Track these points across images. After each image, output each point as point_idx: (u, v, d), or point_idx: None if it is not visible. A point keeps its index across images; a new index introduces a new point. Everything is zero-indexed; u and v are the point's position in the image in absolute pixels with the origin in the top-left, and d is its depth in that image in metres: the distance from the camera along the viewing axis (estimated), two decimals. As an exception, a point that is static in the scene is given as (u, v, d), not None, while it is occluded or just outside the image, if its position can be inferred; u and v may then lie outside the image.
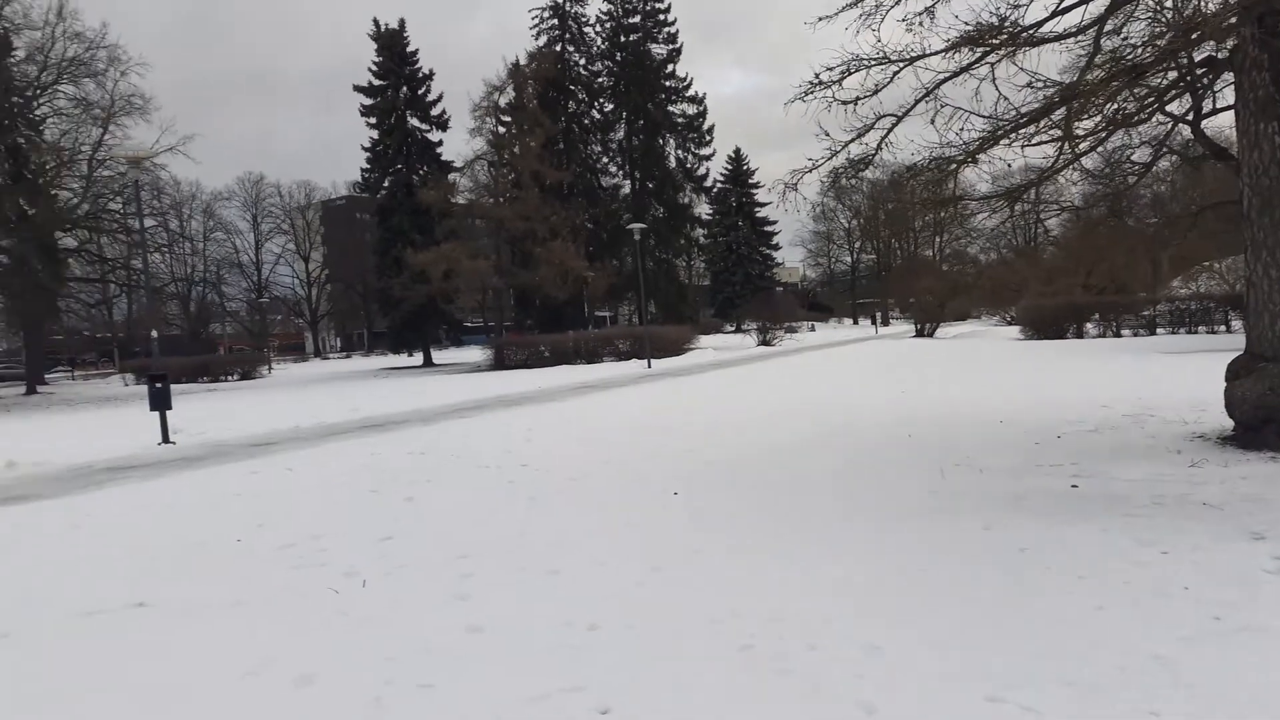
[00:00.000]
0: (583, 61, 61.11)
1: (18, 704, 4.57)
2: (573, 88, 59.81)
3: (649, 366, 33.46)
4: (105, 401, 35.56)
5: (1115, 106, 9.34)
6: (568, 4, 59.60)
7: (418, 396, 25.54)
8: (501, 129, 51.11)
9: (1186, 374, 18.21)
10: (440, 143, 53.11)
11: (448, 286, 45.26)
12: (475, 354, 48.68)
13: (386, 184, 52.41)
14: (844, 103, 9.65)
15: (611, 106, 62.23)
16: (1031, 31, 8.79)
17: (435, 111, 52.80)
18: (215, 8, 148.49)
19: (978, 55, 8.91)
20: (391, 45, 51.90)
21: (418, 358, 57.48)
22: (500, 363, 41.91)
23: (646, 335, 38.70)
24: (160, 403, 16.32)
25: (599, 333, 50.13)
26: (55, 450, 15.78)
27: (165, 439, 16.19)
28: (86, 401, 36.51)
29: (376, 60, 52.03)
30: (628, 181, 62.75)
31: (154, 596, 6.30)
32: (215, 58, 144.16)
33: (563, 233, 47.39)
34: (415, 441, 14.78)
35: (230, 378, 49.38)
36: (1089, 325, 40.91)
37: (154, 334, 20.53)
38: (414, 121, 52.52)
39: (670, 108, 62.78)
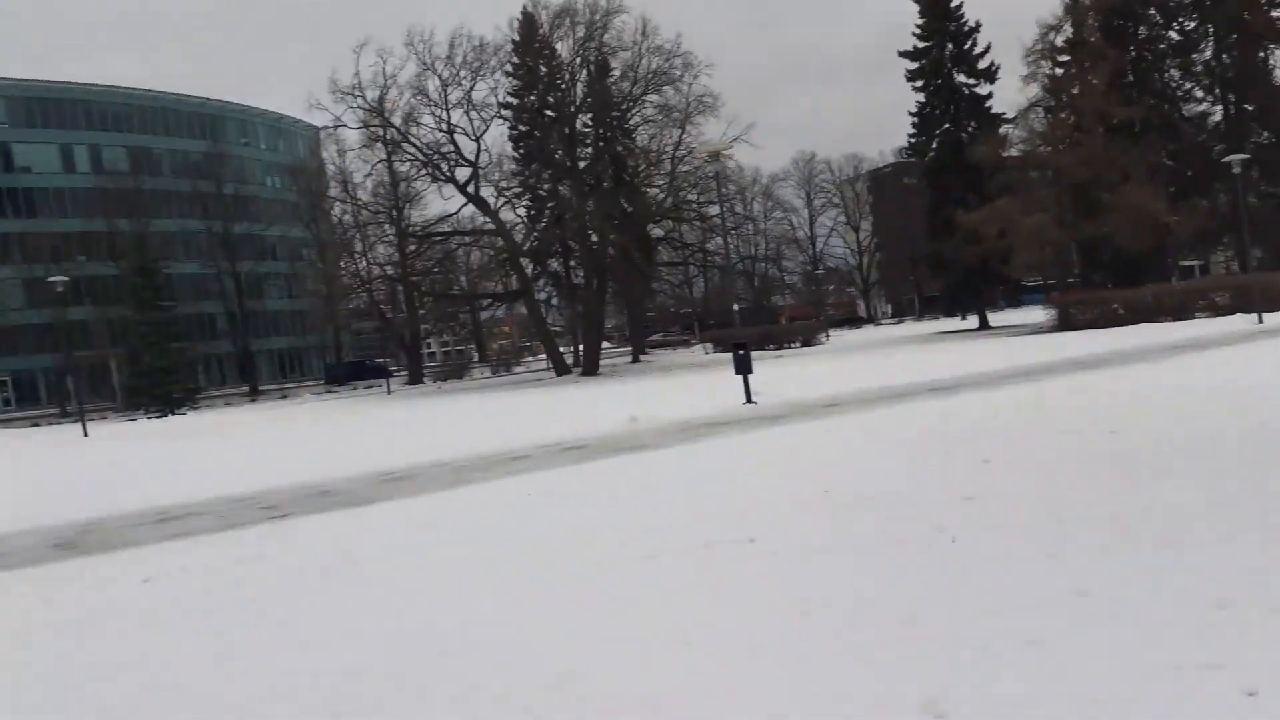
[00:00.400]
0: (1157, -23, 53.33)
1: (661, 603, 5.51)
2: (1144, 10, 52.55)
3: (1260, 321, 28.29)
4: (691, 368, 40.69)
5: None
6: (1136, -83, 52.44)
7: (977, 360, 24.86)
8: (1058, 70, 47.01)
9: None
10: (989, 95, 50.71)
11: (1002, 245, 43.13)
12: (1035, 314, 45.74)
13: (934, 146, 51.60)
14: None
15: (1194, 23, 53.40)
16: None
17: (982, 64, 50.48)
18: (765, 5, 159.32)
19: None
20: (934, 3, 50.78)
21: (972, 321, 55.83)
22: (1065, 323, 38.81)
23: (1255, 285, 32.74)
24: (743, 367, 18.26)
25: (1188, 285, 43.64)
26: (662, 408, 18.52)
27: (749, 399, 18.06)
28: (677, 368, 42.19)
29: (919, 22, 51.32)
30: (1218, 107, 53.44)
31: (761, 535, 7.08)
32: (767, 49, 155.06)
33: (1136, 175, 42.12)
34: (981, 404, 14.44)
35: (792, 345, 53.07)
36: None
37: (735, 307, 22.93)
38: (960, 77, 50.86)
39: (1274, 13, 51.87)
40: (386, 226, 48.57)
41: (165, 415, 45.49)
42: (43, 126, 71.42)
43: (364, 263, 51.08)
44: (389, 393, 46.64)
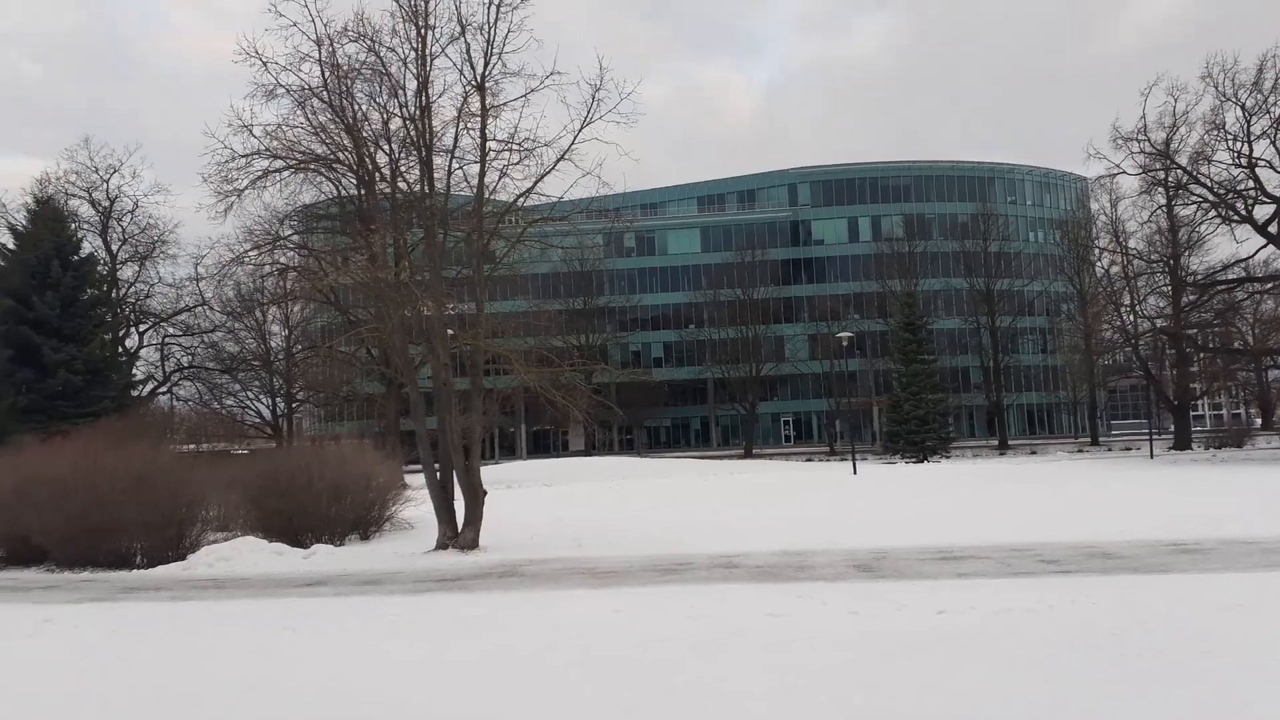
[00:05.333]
0: None
1: None
2: None
3: None
4: None
5: None
6: None
7: None
8: None
9: None
10: None
11: None
12: None
13: None
14: None
15: None
16: None
17: None
18: None
19: None
20: None
21: None
22: None
23: None
24: None
25: None
26: None
27: None
28: None
29: None
30: None
31: None
32: None
33: None
34: None
35: None
36: None
37: None
38: None
39: None
40: (1159, 276, 44.54)
41: (920, 461, 48.45)
42: (835, 204, 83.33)
43: (1130, 316, 47.57)
44: (1151, 456, 42.44)
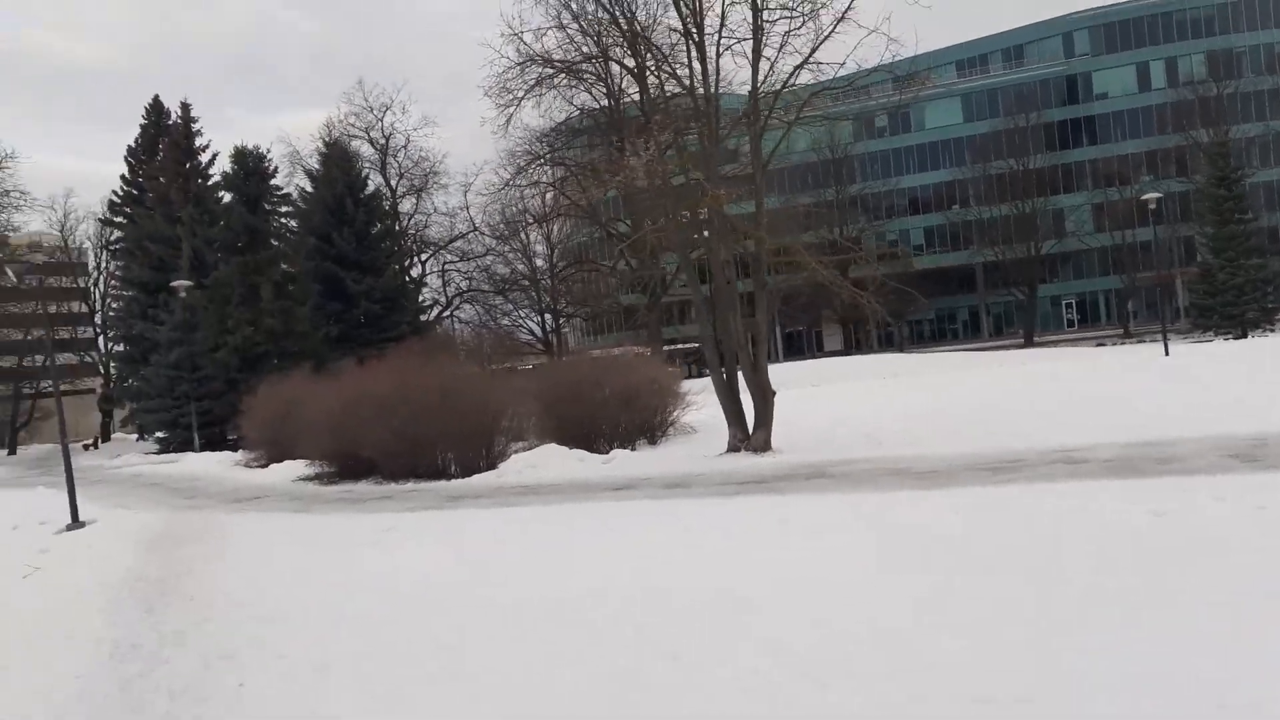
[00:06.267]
0: None
1: None
2: None
3: None
4: None
5: None
6: None
7: None
8: None
9: None
10: None
11: None
12: None
13: None
14: None
15: None
16: None
17: None
18: None
19: None
20: None
21: None
22: None
23: None
24: None
25: None
26: None
27: None
28: None
29: None
30: None
31: None
32: None
33: None
34: None
35: None
36: None
37: None
38: None
39: None
40: None
41: (1240, 336, 42.69)
42: (1120, 50, 71.57)
43: None
44: None
